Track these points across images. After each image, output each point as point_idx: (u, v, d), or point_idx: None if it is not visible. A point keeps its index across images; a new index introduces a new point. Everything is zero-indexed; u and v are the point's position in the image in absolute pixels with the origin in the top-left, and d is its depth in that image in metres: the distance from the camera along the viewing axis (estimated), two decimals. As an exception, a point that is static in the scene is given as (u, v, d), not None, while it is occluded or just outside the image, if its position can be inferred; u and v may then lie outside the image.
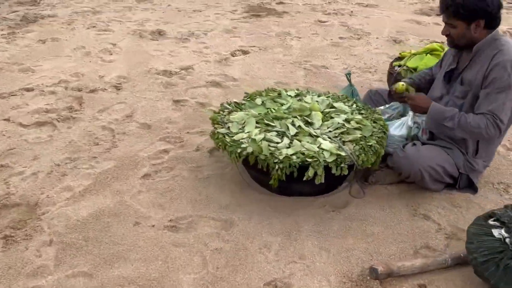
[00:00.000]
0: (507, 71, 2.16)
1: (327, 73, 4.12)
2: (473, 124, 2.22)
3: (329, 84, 3.90)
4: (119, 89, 3.72)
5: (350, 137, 2.35)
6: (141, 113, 3.35)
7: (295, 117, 2.55)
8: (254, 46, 4.76)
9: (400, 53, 3.57)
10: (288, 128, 2.44)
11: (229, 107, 2.70)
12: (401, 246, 2.14)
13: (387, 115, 2.72)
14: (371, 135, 2.38)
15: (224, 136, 2.39)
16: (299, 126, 2.45)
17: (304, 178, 2.17)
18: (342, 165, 2.18)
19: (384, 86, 3.64)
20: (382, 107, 2.77)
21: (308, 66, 4.25)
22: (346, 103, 2.75)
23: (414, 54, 3.40)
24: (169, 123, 3.23)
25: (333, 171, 2.19)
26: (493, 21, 2.25)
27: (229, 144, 2.32)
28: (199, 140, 3.02)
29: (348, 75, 3.38)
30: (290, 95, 2.83)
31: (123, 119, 3.27)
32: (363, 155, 2.23)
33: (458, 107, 2.36)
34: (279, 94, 2.84)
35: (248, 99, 2.77)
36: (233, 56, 4.50)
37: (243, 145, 2.28)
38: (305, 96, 2.82)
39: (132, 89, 3.74)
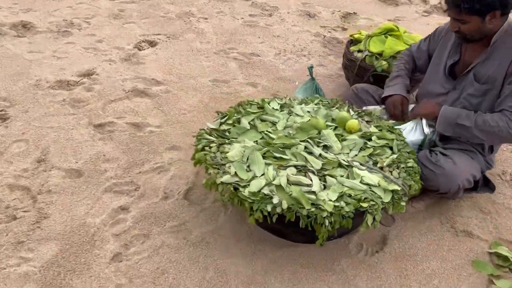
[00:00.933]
0: None
1: (262, 62, 3.56)
2: (493, 124, 1.97)
3: (272, 76, 3.36)
4: (5, 120, 2.63)
5: (387, 160, 1.91)
6: (56, 152, 2.40)
7: (306, 141, 2.00)
8: (159, 34, 3.91)
9: (351, 36, 3.20)
10: (306, 159, 1.89)
11: (210, 137, 2.01)
12: (471, 281, 1.83)
13: (385, 117, 2.34)
14: (401, 152, 1.98)
15: (236, 189, 1.73)
16: (320, 155, 1.92)
17: (362, 229, 1.69)
18: (402, 203, 1.75)
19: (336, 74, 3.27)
20: (377, 107, 2.38)
21: (236, 55, 3.63)
22: (342, 110, 2.28)
23: (370, 36, 3.06)
24: (106, 162, 2.37)
25: (390, 211, 1.74)
26: (508, 7, 1.99)
27: (249, 200, 1.69)
28: (161, 180, 2.27)
29: (310, 68, 2.90)
30: (275, 108, 2.25)
31: (34, 167, 2.29)
32: (412, 182, 1.83)
33: (473, 107, 2.09)
34: (262, 108, 2.23)
35: (229, 122, 2.11)
36: (140, 50, 3.62)
37: (272, 199, 1.68)
38: (293, 107, 2.27)
39: (25, 116, 2.68)
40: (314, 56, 3.72)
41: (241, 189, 1.73)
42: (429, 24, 4.52)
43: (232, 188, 1.74)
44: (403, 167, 1.89)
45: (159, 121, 2.74)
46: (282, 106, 2.29)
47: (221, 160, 1.88)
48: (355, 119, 2.17)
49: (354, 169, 1.84)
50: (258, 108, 2.26)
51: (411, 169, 1.89)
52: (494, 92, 2.05)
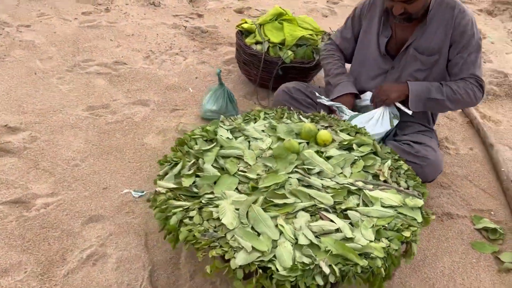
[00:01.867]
0: (473, 30, 1.97)
1: (134, 71, 2.92)
2: (461, 92, 1.97)
3: (158, 88, 2.78)
4: None
5: (386, 170, 1.70)
6: None
7: (294, 171, 1.64)
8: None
9: (238, 26, 2.82)
10: (310, 196, 1.54)
11: (177, 202, 1.47)
12: (483, 265, 1.82)
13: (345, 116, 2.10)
14: (386, 155, 1.80)
15: (264, 268, 1.29)
16: (322, 186, 1.59)
17: (408, 261, 1.46)
18: (432, 217, 1.57)
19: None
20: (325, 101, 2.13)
21: (97, 69, 2.88)
22: (293, 119, 1.97)
23: (261, 24, 2.76)
24: (4, 275, 1.57)
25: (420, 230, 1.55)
26: None
27: (290, 279, 1.27)
28: (104, 274, 1.62)
29: (219, 73, 2.46)
30: (229, 138, 1.79)
31: None
32: (423, 188, 1.66)
33: (420, 81, 2.05)
34: (211, 141, 1.76)
35: (188, 172, 1.58)
36: (-43, 87, 2.57)
37: (315, 268, 1.30)
38: (244, 130, 1.85)
39: None
40: (188, 52, 3.23)
41: (270, 266, 1.30)
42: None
43: (260, 270, 1.29)
44: (403, 173, 1.71)
45: (47, 186, 1.96)
46: (232, 132, 1.85)
47: (216, 231, 1.39)
48: (323, 128, 1.89)
49: (366, 192, 1.58)
50: (206, 142, 1.77)
51: (409, 172, 1.73)
52: (441, 62, 2.02)
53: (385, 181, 1.66)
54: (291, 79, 2.69)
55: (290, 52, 2.60)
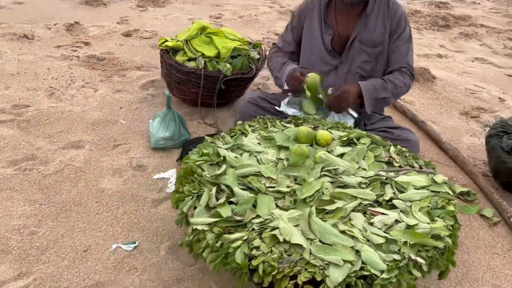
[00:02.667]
0: (406, 21, 2.15)
1: (47, 113, 2.43)
2: (401, 84, 2.13)
3: (85, 125, 2.38)
4: None
5: (395, 156, 1.73)
6: None
7: (323, 175, 1.56)
8: None
9: (162, 46, 2.59)
10: (351, 196, 1.48)
11: (231, 236, 1.27)
12: (486, 229, 1.99)
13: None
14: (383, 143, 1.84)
15: (367, 279, 1.19)
16: (357, 182, 1.54)
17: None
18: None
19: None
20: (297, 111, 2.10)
21: (-3, 116, 2.35)
22: (277, 126, 1.89)
23: (187, 40, 2.59)
24: None
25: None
26: None
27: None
28: None
29: (168, 97, 2.22)
30: (235, 157, 1.62)
31: None
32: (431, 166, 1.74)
33: (368, 73, 2.17)
34: (217, 164, 1.56)
35: (220, 201, 1.38)
36: None
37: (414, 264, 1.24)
38: (242, 145, 1.70)
39: None
40: (95, 83, 2.86)
41: (366, 273, 1.19)
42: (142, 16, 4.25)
43: (361, 281, 1.18)
44: (408, 156, 1.77)
45: (9, 267, 1.50)
46: (232, 150, 1.68)
47: (290, 255, 1.23)
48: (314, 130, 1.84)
49: (395, 179, 1.58)
50: (212, 166, 1.57)
51: (411, 153, 1.79)
52: (385, 51, 2.15)
53: (400, 166, 1.69)
54: (231, 92, 2.61)
55: (228, 65, 2.49)
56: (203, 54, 2.51)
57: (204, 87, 2.48)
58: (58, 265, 1.53)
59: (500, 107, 3.18)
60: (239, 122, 1.89)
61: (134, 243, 1.67)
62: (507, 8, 6.18)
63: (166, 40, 2.62)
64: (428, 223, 1.40)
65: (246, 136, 1.79)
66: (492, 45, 4.61)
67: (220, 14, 4.61)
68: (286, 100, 2.14)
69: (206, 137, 1.76)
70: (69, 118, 2.44)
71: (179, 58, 2.52)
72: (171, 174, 2.06)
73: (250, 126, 1.87)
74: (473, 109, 3.10)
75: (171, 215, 1.81)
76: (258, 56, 2.66)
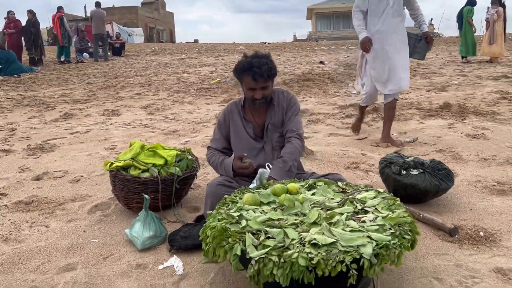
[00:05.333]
0: (296, 101, 2.96)
1: None
2: (296, 152, 2.81)
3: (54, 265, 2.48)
4: None
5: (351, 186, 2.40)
6: None
7: (314, 207, 2.12)
8: None
9: (112, 168, 2.91)
10: (329, 217, 2.07)
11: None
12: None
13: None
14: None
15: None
16: (339, 205, 2.14)
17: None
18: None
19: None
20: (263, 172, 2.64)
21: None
22: (247, 192, 2.41)
23: (133, 158, 2.99)
24: None
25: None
26: None
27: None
28: None
29: (147, 201, 2.55)
30: (242, 227, 2.08)
31: None
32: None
33: (282, 143, 2.87)
34: (237, 223, 2.01)
35: (261, 240, 1.81)
36: None
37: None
38: (243, 216, 2.15)
39: None
40: (42, 220, 2.94)
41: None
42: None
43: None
44: (351, 185, 2.45)
45: None
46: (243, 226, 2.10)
47: (333, 251, 1.73)
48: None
49: (356, 197, 2.23)
50: (232, 224, 1.99)
51: (351, 184, 2.49)
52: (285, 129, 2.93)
53: (351, 191, 2.37)
54: (182, 190, 3.03)
55: (177, 168, 2.95)
56: (154, 164, 2.93)
57: (165, 193, 2.87)
58: None
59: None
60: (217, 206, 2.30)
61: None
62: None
63: (112, 163, 2.96)
64: (393, 212, 2.06)
65: (242, 208, 2.25)
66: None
67: (112, 145, 4.98)
68: (252, 186, 2.63)
69: (208, 212, 2.17)
70: (42, 251, 2.50)
71: (133, 172, 2.88)
72: (174, 261, 2.33)
73: (232, 201, 2.33)
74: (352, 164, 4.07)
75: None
76: (193, 157, 3.18)
